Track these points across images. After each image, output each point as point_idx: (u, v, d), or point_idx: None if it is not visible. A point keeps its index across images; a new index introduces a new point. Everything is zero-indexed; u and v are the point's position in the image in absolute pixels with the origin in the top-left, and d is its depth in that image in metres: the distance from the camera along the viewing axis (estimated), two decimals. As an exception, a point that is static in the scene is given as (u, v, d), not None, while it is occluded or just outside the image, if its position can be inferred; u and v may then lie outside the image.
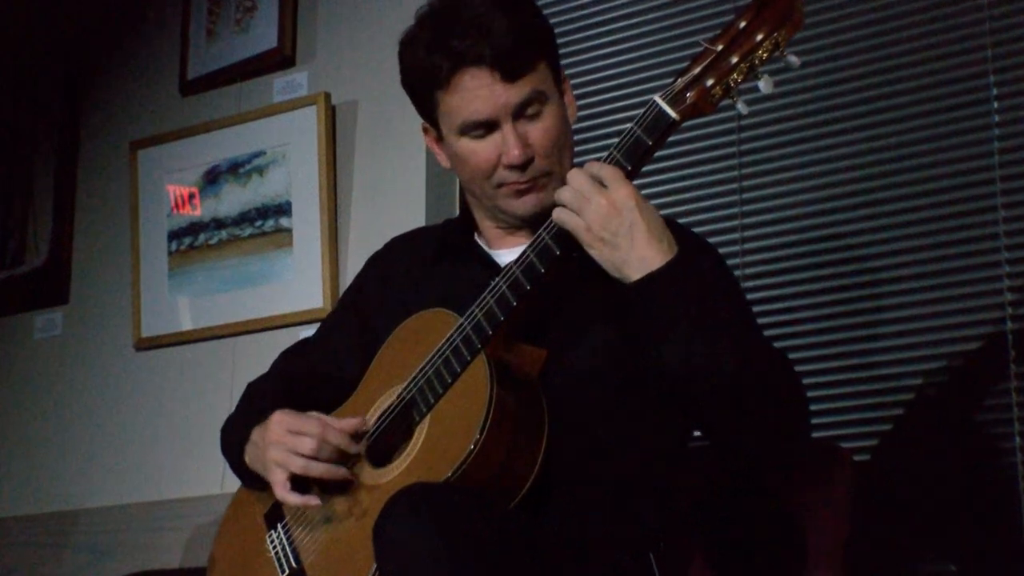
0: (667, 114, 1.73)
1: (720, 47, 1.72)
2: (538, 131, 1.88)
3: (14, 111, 3.58)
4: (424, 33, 1.90)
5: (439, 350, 1.84)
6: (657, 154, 1.78)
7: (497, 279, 1.82)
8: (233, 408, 2.11)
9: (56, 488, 3.29)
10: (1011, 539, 2.33)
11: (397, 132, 2.95)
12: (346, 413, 1.96)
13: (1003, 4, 2.49)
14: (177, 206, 3.23)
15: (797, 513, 2.00)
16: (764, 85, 1.73)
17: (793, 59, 1.73)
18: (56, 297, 3.42)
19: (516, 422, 1.75)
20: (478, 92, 1.85)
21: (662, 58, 2.83)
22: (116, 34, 3.49)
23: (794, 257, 2.63)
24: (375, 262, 2.17)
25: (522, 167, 1.87)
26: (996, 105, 2.48)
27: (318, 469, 1.86)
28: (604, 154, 1.77)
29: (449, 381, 1.82)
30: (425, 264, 2.05)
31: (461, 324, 1.83)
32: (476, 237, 2.03)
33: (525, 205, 1.91)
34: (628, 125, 1.76)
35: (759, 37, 1.70)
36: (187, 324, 3.17)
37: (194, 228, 3.20)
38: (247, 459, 1.97)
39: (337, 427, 1.88)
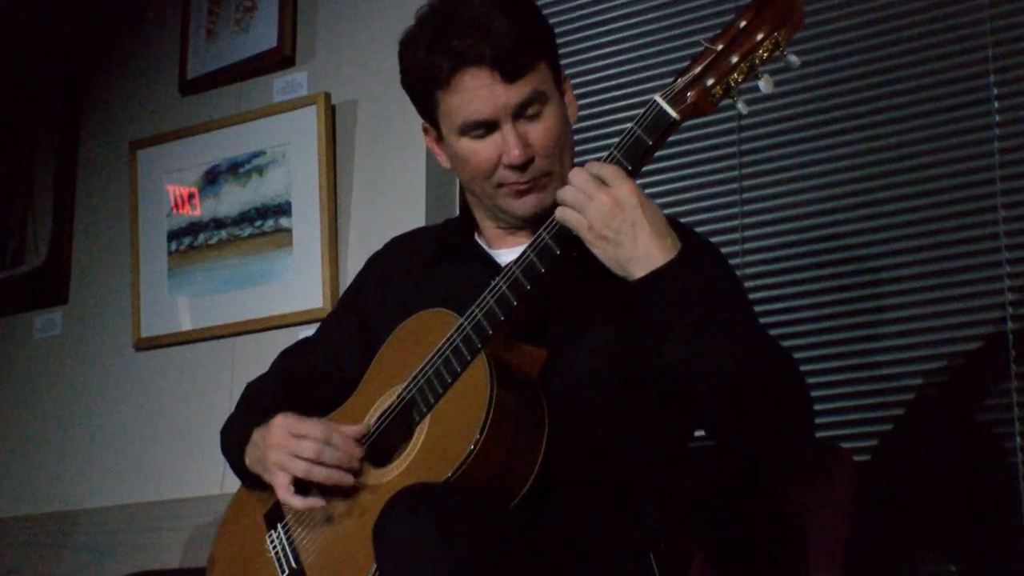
0: (667, 114, 1.73)
1: (720, 47, 1.72)
2: (538, 131, 1.88)
3: (14, 111, 3.58)
4: (424, 33, 1.90)
5: (439, 350, 1.84)
6: (657, 154, 1.78)
7: (497, 279, 1.82)
8: (233, 408, 2.11)
9: (56, 488, 3.28)
10: (1011, 539, 2.32)
11: (397, 132, 2.94)
12: (346, 413, 1.96)
13: (1003, 4, 2.49)
14: (177, 206, 3.23)
15: (797, 513, 2.00)
16: (764, 85, 1.73)
17: (793, 59, 1.73)
18: (56, 297, 3.42)
19: (516, 422, 1.75)
20: (478, 92, 1.85)
21: (662, 58, 2.83)
22: (116, 34, 3.49)
23: (794, 257, 2.63)
24: (375, 262, 2.17)
25: (522, 167, 1.87)
26: (996, 105, 2.48)
27: (320, 474, 1.85)
28: (604, 154, 1.77)
29: (449, 381, 1.82)
30: (425, 264, 2.05)
31: (461, 324, 1.83)
32: (476, 237, 2.03)
33: (525, 205, 1.91)
34: (628, 125, 1.76)
35: (759, 37, 1.70)
36: (187, 324, 3.17)
37: (194, 228, 3.20)
38: (247, 460, 1.97)
39: (340, 432, 1.87)
